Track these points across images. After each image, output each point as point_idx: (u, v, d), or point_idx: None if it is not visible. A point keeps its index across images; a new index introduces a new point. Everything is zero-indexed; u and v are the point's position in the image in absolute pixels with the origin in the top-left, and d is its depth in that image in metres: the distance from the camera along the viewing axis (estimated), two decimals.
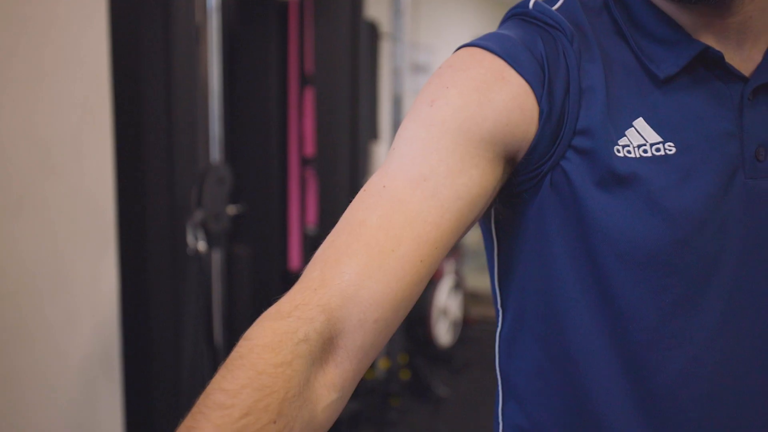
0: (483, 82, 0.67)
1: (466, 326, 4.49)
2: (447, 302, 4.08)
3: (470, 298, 4.73)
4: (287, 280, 3.04)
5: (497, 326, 0.81)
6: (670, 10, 0.71)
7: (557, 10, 0.72)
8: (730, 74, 0.70)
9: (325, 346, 0.56)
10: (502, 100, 0.66)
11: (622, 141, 0.67)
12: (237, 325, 2.71)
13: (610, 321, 0.69)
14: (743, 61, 0.72)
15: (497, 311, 0.81)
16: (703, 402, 0.69)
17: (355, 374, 0.59)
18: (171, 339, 2.24)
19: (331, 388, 0.56)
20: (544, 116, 0.67)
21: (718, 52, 0.69)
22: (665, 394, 0.69)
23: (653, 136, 0.68)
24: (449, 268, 4.13)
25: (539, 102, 0.67)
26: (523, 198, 0.71)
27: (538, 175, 0.69)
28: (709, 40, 0.71)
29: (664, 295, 0.68)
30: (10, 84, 1.70)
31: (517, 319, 0.76)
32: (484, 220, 0.79)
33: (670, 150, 0.68)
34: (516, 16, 0.74)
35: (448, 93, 0.66)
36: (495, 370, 0.81)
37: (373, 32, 3.85)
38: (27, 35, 1.74)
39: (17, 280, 1.75)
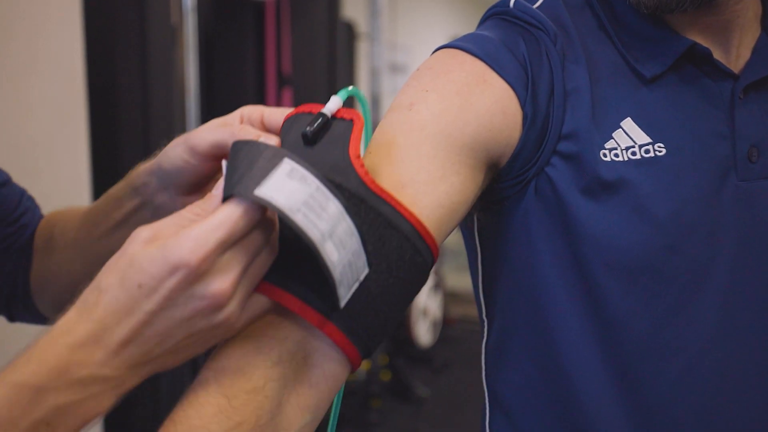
0: (464, 85, 0.64)
1: (446, 326, 4.49)
2: (427, 302, 4.09)
3: (450, 297, 4.73)
4: None
5: (482, 336, 0.78)
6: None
7: (538, 8, 0.70)
8: (719, 71, 0.68)
9: (299, 366, 0.52)
10: (485, 105, 0.63)
11: (609, 144, 0.65)
12: None
13: (601, 331, 0.67)
14: (731, 58, 0.70)
15: (482, 321, 0.78)
16: (699, 414, 0.67)
17: (330, 394, 0.55)
18: None
19: (304, 410, 0.53)
20: (528, 121, 0.64)
21: (706, 48, 0.67)
22: (659, 406, 0.67)
23: (642, 137, 0.66)
24: None
25: (523, 106, 0.64)
26: (506, 205, 0.69)
27: (522, 182, 0.67)
28: (696, 38, 0.69)
29: (655, 304, 0.66)
30: None
31: (505, 330, 0.74)
32: (466, 227, 0.76)
33: (659, 151, 0.65)
34: (496, 15, 0.71)
35: (428, 97, 0.63)
36: (482, 381, 0.79)
37: (350, 32, 3.84)
38: (2, 37, 1.71)
39: None
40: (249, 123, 0.63)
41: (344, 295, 0.50)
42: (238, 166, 0.48)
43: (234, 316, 0.48)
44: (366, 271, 0.52)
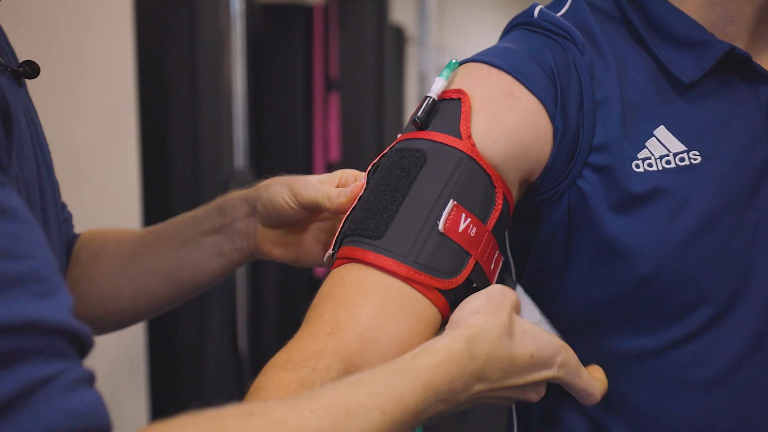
0: (491, 101, 0.62)
1: None
2: None
3: None
4: (313, 286, 3.04)
5: None
6: (693, 7, 0.67)
7: (563, 15, 0.68)
8: (758, 74, 0.66)
9: None
10: (513, 121, 0.61)
11: (642, 154, 0.63)
12: (262, 330, 2.71)
13: None
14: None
15: None
16: (726, 427, 0.65)
17: None
18: (196, 345, 2.24)
19: None
20: (559, 135, 0.62)
21: (745, 53, 0.65)
22: (685, 416, 0.66)
23: (676, 145, 0.63)
24: None
25: (553, 120, 0.62)
26: (540, 218, 0.67)
27: (554, 195, 0.65)
28: (734, 40, 0.67)
29: (690, 317, 0.64)
30: (38, 90, 1.72)
31: None
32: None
33: (695, 159, 0.63)
34: (520, 26, 0.70)
35: None
36: None
37: (398, 37, 3.84)
38: (53, 42, 1.75)
39: None
40: (345, 182, 0.71)
41: None
42: None
43: None
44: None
